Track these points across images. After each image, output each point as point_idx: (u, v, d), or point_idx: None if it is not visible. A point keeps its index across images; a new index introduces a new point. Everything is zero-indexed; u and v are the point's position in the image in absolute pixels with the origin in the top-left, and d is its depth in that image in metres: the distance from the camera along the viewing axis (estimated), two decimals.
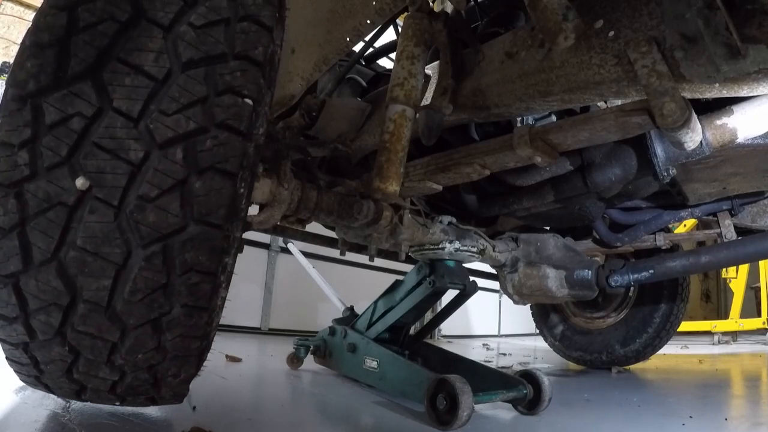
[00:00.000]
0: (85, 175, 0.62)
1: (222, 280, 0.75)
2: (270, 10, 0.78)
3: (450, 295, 1.59)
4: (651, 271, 1.45)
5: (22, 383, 0.86)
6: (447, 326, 4.15)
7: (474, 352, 3.60)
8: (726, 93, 0.92)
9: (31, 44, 0.65)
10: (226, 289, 0.83)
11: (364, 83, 1.83)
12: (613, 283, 1.48)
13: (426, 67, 1.26)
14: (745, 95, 0.94)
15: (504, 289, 1.68)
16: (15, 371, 0.79)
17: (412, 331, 1.78)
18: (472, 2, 1.70)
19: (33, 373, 0.75)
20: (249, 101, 0.71)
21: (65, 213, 0.62)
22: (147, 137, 0.64)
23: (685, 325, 3.70)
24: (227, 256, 0.74)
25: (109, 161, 0.62)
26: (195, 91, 0.66)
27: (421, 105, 1.24)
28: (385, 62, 2.17)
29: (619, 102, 1.11)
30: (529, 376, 1.36)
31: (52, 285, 0.63)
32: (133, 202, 0.63)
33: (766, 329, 5.54)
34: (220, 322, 0.87)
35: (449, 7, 1.29)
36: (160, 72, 0.66)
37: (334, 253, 2.20)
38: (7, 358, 0.76)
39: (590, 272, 1.53)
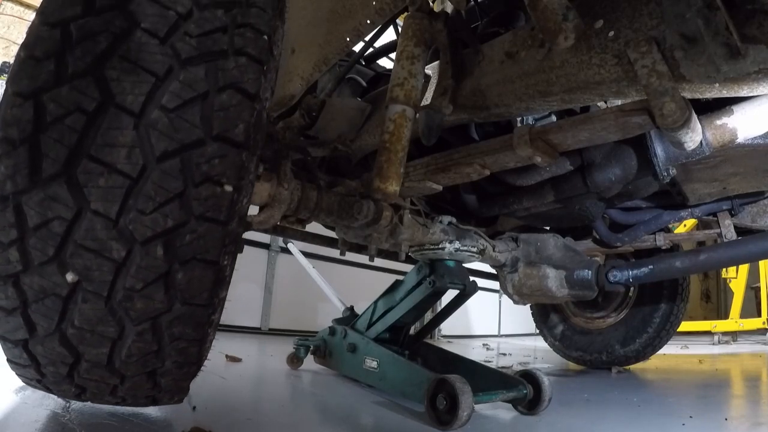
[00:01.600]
0: (74, 271, 0.64)
1: (209, 340, 0.80)
2: (254, 72, 0.72)
3: (450, 295, 1.59)
4: (650, 267, 1.45)
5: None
6: (447, 326, 4.15)
7: (474, 352, 3.60)
8: (726, 93, 0.92)
9: (3, 140, 0.63)
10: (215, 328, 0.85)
11: (364, 83, 1.83)
12: (611, 278, 1.49)
13: (426, 67, 1.26)
14: (745, 95, 0.94)
15: (504, 289, 1.68)
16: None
17: (412, 331, 1.78)
18: (472, 2, 1.70)
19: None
20: (229, 188, 0.68)
21: (60, 301, 0.66)
22: (128, 236, 0.64)
23: (685, 325, 3.70)
24: (212, 325, 0.78)
25: (94, 260, 0.64)
26: (171, 187, 0.64)
27: (421, 105, 1.24)
28: (385, 62, 2.17)
29: (619, 102, 1.11)
30: (529, 376, 1.36)
31: (57, 350, 0.70)
32: (121, 292, 0.66)
33: (766, 329, 5.54)
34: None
35: (449, 7, 1.29)
36: (133, 170, 0.63)
37: (334, 253, 2.20)
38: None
39: (590, 272, 1.53)
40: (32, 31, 0.67)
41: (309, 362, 1.92)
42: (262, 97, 0.75)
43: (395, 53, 1.23)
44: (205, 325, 0.73)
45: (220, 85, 0.68)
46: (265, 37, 0.75)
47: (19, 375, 0.81)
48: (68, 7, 0.67)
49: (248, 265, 3.59)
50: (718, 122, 1.19)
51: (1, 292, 0.67)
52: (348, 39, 1.44)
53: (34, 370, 0.75)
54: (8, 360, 0.76)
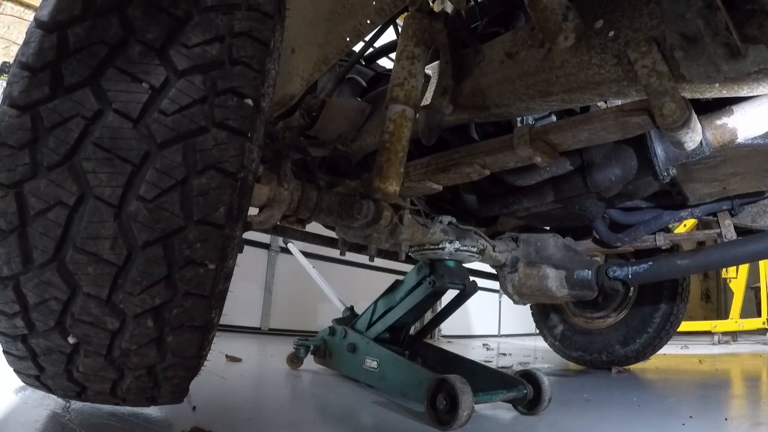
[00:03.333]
0: (74, 336, 0.69)
1: (199, 370, 0.84)
2: (236, 148, 0.68)
3: (450, 295, 1.59)
4: (650, 263, 1.47)
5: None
6: (447, 326, 4.15)
7: (474, 352, 3.60)
8: (726, 93, 0.92)
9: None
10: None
11: (364, 83, 1.83)
12: (611, 274, 1.49)
13: (426, 67, 1.26)
14: (745, 95, 0.94)
15: (504, 289, 1.68)
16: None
17: (412, 331, 1.78)
18: (472, 2, 1.70)
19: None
20: (212, 266, 0.69)
21: (65, 356, 0.72)
22: (120, 311, 0.68)
23: (685, 325, 3.70)
24: (202, 361, 0.82)
25: (91, 329, 0.68)
26: (156, 272, 0.66)
27: (421, 105, 1.24)
28: (385, 62, 2.17)
29: (619, 102, 1.11)
30: (529, 376, 1.36)
31: (65, 384, 0.79)
32: (118, 351, 0.71)
33: (766, 329, 5.54)
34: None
35: (449, 7, 1.29)
36: (119, 259, 0.65)
37: (334, 253, 2.20)
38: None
39: (590, 272, 1.53)
40: (3, 120, 0.64)
41: (309, 362, 1.91)
42: (246, 166, 0.74)
43: (395, 53, 1.23)
44: (196, 366, 0.80)
45: (199, 169, 0.66)
46: (250, 101, 0.70)
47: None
48: (35, 89, 0.63)
49: (248, 265, 3.59)
50: (718, 122, 1.19)
51: (12, 346, 0.74)
52: (348, 39, 1.44)
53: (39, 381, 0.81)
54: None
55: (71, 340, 0.69)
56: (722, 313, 8.88)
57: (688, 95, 0.95)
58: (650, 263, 1.49)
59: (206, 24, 0.69)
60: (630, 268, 1.50)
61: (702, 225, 2.11)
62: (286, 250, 3.71)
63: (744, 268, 5.79)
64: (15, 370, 0.81)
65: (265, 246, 3.84)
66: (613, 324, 2.71)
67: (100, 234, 0.64)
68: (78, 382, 0.76)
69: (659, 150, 1.34)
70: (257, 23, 0.73)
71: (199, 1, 0.70)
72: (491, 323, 6.67)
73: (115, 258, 0.64)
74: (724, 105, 1.19)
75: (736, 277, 5.85)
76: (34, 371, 0.77)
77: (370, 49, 1.78)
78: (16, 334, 0.71)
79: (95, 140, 0.63)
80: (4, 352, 0.77)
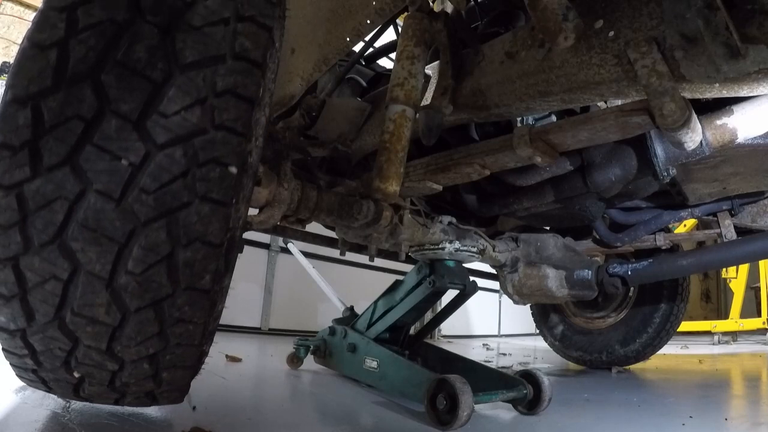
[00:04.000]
0: (78, 372, 0.76)
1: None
2: (220, 220, 0.67)
3: (450, 295, 1.59)
4: (650, 260, 1.48)
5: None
6: (447, 326, 4.16)
7: (474, 352, 3.60)
8: (726, 93, 0.92)
9: None
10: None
11: (364, 83, 1.83)
12: (611, 270, 1.50)
13: (426, 67, 1.26)
14: (745, 95, 0.94)
15: (504, 289, 1.68)
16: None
17: (412, 331, 1.78)
18: (472, 2, 1.70)
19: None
20: (200, 321, 0.72)
21: (71, 386, 0.79)
22: (118, 358, 0.74)
23: (685, 325, 3.70)
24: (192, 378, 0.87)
25: (94, 369, 0.75)
26: (149, 331, 0.70)
27: (421, 105, 1.24)
28: (385, 62, 2.17)
29: (619, 102, 1.11)
30: (529, 376, 1.36)
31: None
32: (118, 382, 0.77)
33: (766, 329, 5.54)
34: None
35: (449, 7, 1.29)
36: (114, 320, 0.68)
37: (334, 253, 2.20)
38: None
39: (590, 272, 1.53)
40: None
41: (309, 362, 1.92)
42: (233, 227, 0.75)
43: (395, 53, 1.23)
44: (187, 387, 0.87)
45: (184, 243, 0.67)
46: (234, 168, 0.67)
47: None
48: (17, 169, 0.62)
49: (248, 265, 3.60)
50: (718, 122, 1.19)
51: (24, 374, 0.81)
52: (348, 39, 1.44)
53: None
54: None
55: (76, 374, 0.75)
56: (722, 313, 8.87)
57: (688, 95, 0.95)
58: (650, 261, 1.49)
59: (186, 85, 0.65)
60: (630, 265, 1.51)
61: (702, 225, 2.11)
62: (286, 250, 3.71)
63: (744, 268, 5.79)
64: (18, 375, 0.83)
65: (265, 246, 3.84)
66: (613, 324, 2.71)
67: (94, 302, 0.67)
68: (83, 397, 0.83)
69: (659, 150, 1.34)
70: (243, 76, 0.69)
71: (178, 57, 0.66)
72: (491, 323, 6.67)
73: (110, 320, 0.68)
74: (724, 105, 1.19)
75: (736, 277, 5.85)
76: (44, 388, 0.85)
77: (370, 49, 1.78)
78: (27, 368, 0.78)
79: (81, 221, 0.63)
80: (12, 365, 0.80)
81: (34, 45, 0.64)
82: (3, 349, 0.76)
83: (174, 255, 0.67)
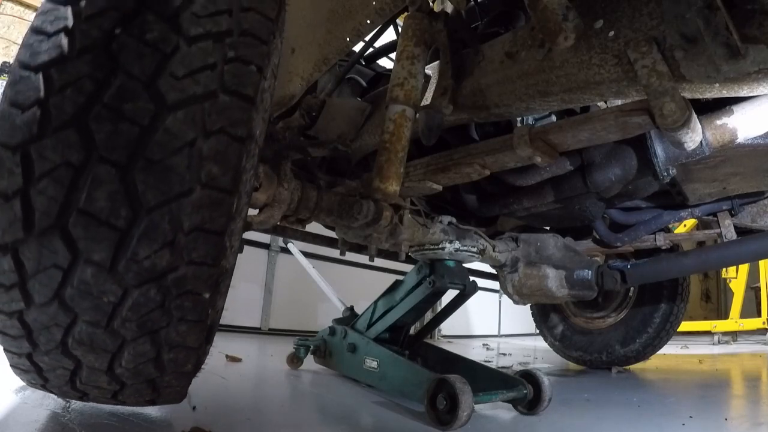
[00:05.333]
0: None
1: None
2: (201, 308, 0.71)
3: (450, 295, 1.59)
4: (650, 258, 1.49)
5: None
6: (447, 326, 4.15)
7: (474, 352, 3.60)
8: (726, 93, 0.92)
9: None
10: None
11: (364, 83, 1.83)
12: (611, 264, 1.51)
13: (426, 67, 1.26)
14: (745, 95, 0.94)
15: (504, 289, 1.68)
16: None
17: (412, 331, 1.78)
18: (472, 2, 1.70)
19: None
20: (191, 367, 0.78)
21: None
22: (118, 380, 0.77)
23: (685, 325, 3.70)
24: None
25: (95, 390, 0.79)
26: (145, 353, 0.73)
27: (421, 105, 1.24)
28: (385, 62, 2.17)
29: (619, 102, 1.11)
30: (529, 376, 1.36)
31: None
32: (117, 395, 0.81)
33: (766, 329, 5.54)
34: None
35: (449, 7, 1.29)
36: (115, 344, 0.71)
37: (334, 253, 2.20)
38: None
39: (590, 272, 1.53)
40: None
41: (309, 362, 1.91)
42: (215, 309, 0.79)
43: (395, 53, 1.23)
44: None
45: (173, 320, 0.71)
46: (207, 295, 0.70)
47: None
48: (11, 227, 0.63)
49: (248, 265, 3.59)
50: (718, 122, 1.19)
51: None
52: (348, 39, 1.44)
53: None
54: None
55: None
56: (722, 313, 8.87)
57: (688, 95, 0.95)
58: (650, 260, 1.49)
59: (153, 230, 0.64)
60: (630, 262, 1.51)
61: (702, 225, 2.11)
62: (286, 250, 3.71)
63: (744, 268, 5.79)
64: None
65: (265, 246, 3.84)
66: (613, 324, 2.71)
67: (93, 343, 0.70)
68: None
69: (659, 150, 1.34)
70: (211, 210, 0.67)
71: (141, 201, 0.64)
72: (491, 323, 6.67)
73: (112, 345, 0.72)
74: (724, 105, 1.19)
75: (736, 277, 5.85)
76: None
77: (370, 49, 1.78)
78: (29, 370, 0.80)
79: (76, 284, 0.65)
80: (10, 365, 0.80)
81: None
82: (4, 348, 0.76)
83: (161, 331, 0.71)
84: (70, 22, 0.66)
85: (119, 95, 0.63)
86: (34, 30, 0.68)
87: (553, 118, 1.43)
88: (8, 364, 0.79)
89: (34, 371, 0.77)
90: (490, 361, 2.85)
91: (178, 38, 0.68)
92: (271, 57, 0.80)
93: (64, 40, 0.65)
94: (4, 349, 0.75)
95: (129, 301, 0.67)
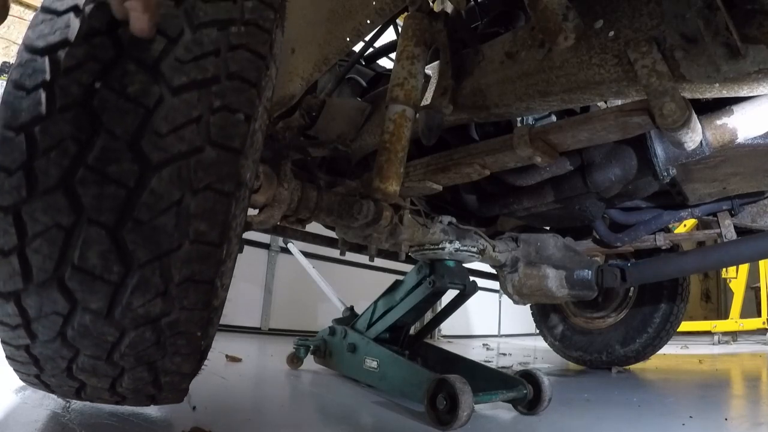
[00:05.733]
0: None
1: None
2: (198, 332, 0.73)
3: (450, 295, 1.59)
4: (650, 258, 1.49)
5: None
6: (447, 326, 4.15)
7: (474, 352, 3.60)
8: (726, 93, 0.92)
9: None
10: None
11: (364, 83, 1.83)
12: (611, 263, 1.53)
13: (426, 67, 1.26)
14: (745, 95, 0.94)
15: (504, 289, 1.68)
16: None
17: (412, 331, 1.78)
18: (472, 2, 1.70)
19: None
20: (186, 389, 0.82)
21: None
22: (120, 395, 0.80)
23: (685, 325, 3.70)
24: None
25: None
26: (143, 378, 0.76)
27: (421, 105, 1.24)
28: (385, 62, 2.17)
29: (619, 102, 1.11)
30: (529, 376, 1.36)
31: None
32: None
33: (766, 329, 5.53)
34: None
35: (449, 7, 1.29)
36: (115, 372, 0.74)
37: (334, 253, 2.19)
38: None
39: (590, 272, 1.53)
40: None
41: (309, 362, 1.91)
42: (210, 335, 0.81)
43: (395, 53, 1.23)
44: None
45: (168, 354, 0.73)
46: (204, 312, 0.71)
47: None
48: (11, 278, 0.65)
49: (248, 265, 3.59)
50: (718, 122, 1.19)
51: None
52: (348, 39, 1.44)
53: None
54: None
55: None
56: (722, 313, 8.87)
57: (688, 95, 0.95)
58: (651, 260, 1.49)
59: (145, 283, 0.66)
60: (630, 262, 1.52)
61: (702, 225, 2.11)
62: (286, 250, 3.71)
63: (744, 268, 5.79)
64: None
65: (265, 246, 3.84)
66: (613, 324, 2.71)
67: (95, 370, 0.74)
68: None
69: (659, 150, 1.34)
70: (200, 263, 0.68)
71: (132, 258, 0.65)
72: (491, 323, 6.67)
73: (111, 375, 0.76)
74: (724, 105, 1.19)
75: (736, 277, 5.85)
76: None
77: (370, 49, 1.78)
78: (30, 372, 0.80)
79: (77, 327, 0.67)
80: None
81: None
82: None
83: (157, 379, 0.76)
84: (48, 76, 0.64)
85: (103, 157, 0.63)
86: (15, 84, 0.66)
87: (553, 118, 1.43)
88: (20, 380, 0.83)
89: (43, 388, 0.82)
90: (490, 361, 2.85)
91: (161, 89, 0.65)
92: (263, 94, 0.76)
93: (43, 97, 0.64)
94: (15, 370, 0.80)
95: (126, 340, 0.69)
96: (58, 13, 0.69)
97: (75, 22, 0.67)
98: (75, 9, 0.69)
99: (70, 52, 0.65)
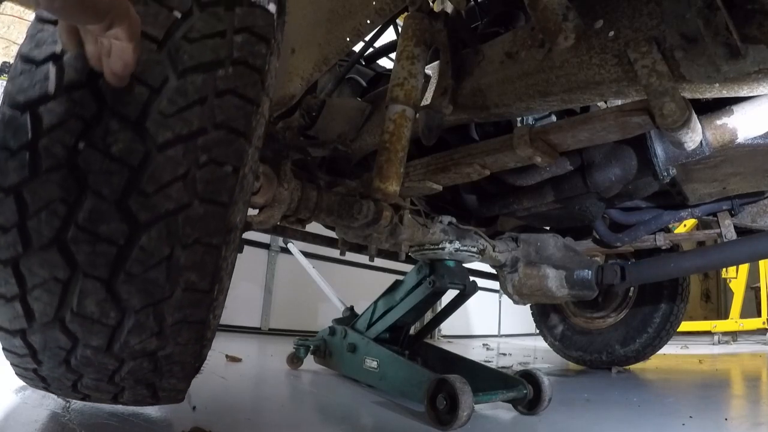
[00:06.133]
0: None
1: None
2: (192, 361, 0.78)
3: (450, 295, 1.59)
4: (651, 258, 1.49)
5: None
6: (447, 326, 4.15)
7: (474, 352, 3.60)
8: (726, 93, 0.92)
9: None
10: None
11: (364, 83, 1.83)
12: (610, 261, 1.53)
13: (426, 67, 1.26)
14: (745, 95, 0.94)
15: (504, 289, 1.68)
16: None
17: (412, 331, 1.78)
18: (472, 2, 1.70)
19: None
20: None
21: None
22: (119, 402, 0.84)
23: (685, 325, 3.70)
24: None
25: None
26: (142, 393, 0.80)
27: (421, 105, 1.24)
28: (385, 62, 2.17)
29: (619, 102, 1.11)
30: (529, 376, 1.36)
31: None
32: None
33: (766, 329, 5.53)
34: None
35: (449, 7, 1.29)
36: (116, 389, 0.79)
37: (334, 253, 2.19)
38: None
39: (590, 272, 1.53)
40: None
41: (309, 362, 1.91)
42: (203, 356, 0.84)
43: (395, 53, 1.23)
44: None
45: (165, 376, 0.77)
46: (197, 346, 0.75)
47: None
48: (15, 323, 0.69)
49: (248, 265, 3.59)
50: (718, 122, 1.18)
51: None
52: (348, 39, 1.44)
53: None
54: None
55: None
56: (722, 313, 8.87)
57: (688, 95, 0.95)
58: (651, 260, 1.49)
59: (140, 326, 0.69)
60: (629, 261, 1.52)
61: (702, 225, 2.11)
62: (286, 250, 3.71)
63: (744, 268, 5.79)
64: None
65: (265, 246, 3.84)
66: (613, 324, 2.71)
67: (98, 388, 0.78)
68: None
69: (659, 150, 1.34)
70: (193, 307, 0.71)
71: (126, 306, 0.67)
72: (491, 323, 6.67)
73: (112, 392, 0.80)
74: (724, 105, 1.19)
75: (736, 277, 5.85)
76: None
77: (370, 49, 1.78)
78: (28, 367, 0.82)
79: (79, 358, 0.71)
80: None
81: None
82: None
83: (155, 393, 0.80)
84: (30, 136, 0.64)
85: (92, 218, 0.64)
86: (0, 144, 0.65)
87: (553, 118, 1.43)
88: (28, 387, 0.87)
89: (44, 389, 0.84)
90: (490, 361, 2.85)
91: (145, 147, 0.64)
92: (253, 139, 0.74)
93: (28, 158, 0.64)
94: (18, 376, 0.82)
95: (125, 368, 0.73)
96: (37, 63, 0.67)
97: (54, 74, 0.65)
98: (54, 58, 0.66)
99: (51, 109, 0.64)
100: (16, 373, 0.81)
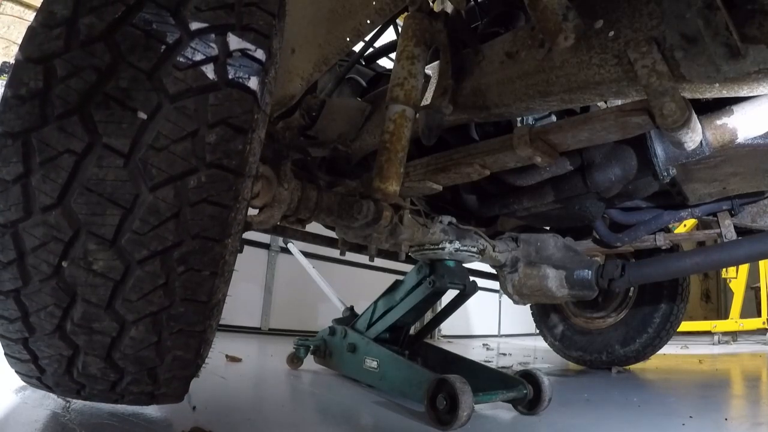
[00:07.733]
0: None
1: None
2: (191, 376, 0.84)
3: (450, 295, 1.59)
4: (651, 258, 1.52)
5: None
6: (447, 326, 4.15)
7: (474, 352, 3.60)
8: (726, 93, 0.92)
9: None
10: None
11: (364, 83, 1.83)
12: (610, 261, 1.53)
13: (426, 67, 1.26)
14: (745, 95, 0.94)
15: (504, 289, 1.68)
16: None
17: (412, 331, 1.78)
18: (472, 2, 1.70)
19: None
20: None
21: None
22: (119, 394, 0.85)
23: (685, 325, 3.70)
24: None
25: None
26: (143, 380, 0.80)
27: (421, 105, 1.24)
28: (385, 62, 2.17)
29: (619, 102, 1.11)
30: (529, 376, 1.36)
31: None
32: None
33: (766, 329, 5.54)
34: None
35: (449, 7, 1.29)
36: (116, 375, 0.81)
37: (334, 253, 2.20)
38: None
39: (590, 272, 1.53)
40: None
41: (309, 362, 1.91)
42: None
43: (395, 53, 1.23)
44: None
45: (163, 381, 0.80)
46: (192, 366, 0.80)
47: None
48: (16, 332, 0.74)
49: (248, 265, 3.59)
50: (718, 122, 1.19)
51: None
52: (348, 39, 1.44)
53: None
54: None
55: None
56: (722, 313, 8.87)
57: (688, 95, 0.95)
58: (651, 260, 1.49)
59: (140, 334, 0.73)
60: (629, 262, 1.52)
61: (702, 225, 2.11)
62: (286, 250, 3.71)
63: (744, 268, 5.79)
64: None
65: (265, 246, 3.84)
66: (613, 324, 2.71)
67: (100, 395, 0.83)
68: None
69: (659, 150, 1.34)
70: (189, 328, 0.76)
71: (125, 317, 0.71)
72: (491, 323, 6.67)
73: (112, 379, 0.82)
74: (724, 105, 1.19)
75: (736, 277, 5.85)
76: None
77: (370, 49, 1.78)
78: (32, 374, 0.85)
79: (81, 369, 0.76)
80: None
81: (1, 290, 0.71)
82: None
83: (157, 391, 0.82)
84: (14, 255, 0.67)
85: (85, 317, 0.70)
86: None
87: (553, 118, 1.43)
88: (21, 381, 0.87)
89: (44, 389, 0.87)
90: (490, 361, 2.85)
91: (124, 264, 0.68)
92: (229, 246, 0.76)
93: (18, 271, 0.68)
94: (16, 372, 0.84)
95: (127, 379, 0.78)
96: (7, 185, 0.66)
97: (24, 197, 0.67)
98: (24, 175, 0.66)
99: (31, 232, 0.67)
100: (17, 373, 0.83)
